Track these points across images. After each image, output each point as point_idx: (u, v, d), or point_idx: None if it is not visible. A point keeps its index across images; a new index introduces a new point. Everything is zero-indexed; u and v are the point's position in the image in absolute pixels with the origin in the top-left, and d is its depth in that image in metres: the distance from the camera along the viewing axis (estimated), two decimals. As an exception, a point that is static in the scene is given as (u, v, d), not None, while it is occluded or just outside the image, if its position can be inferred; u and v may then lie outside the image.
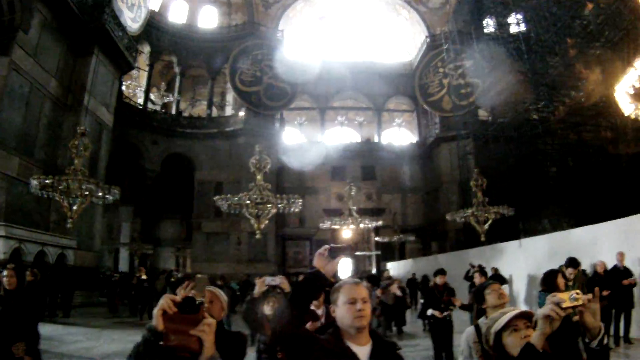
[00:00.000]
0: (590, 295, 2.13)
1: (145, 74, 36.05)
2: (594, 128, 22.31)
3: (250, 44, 35.97)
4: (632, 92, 6.65)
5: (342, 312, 2.44)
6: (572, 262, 8.48)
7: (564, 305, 2.05)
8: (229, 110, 38.67)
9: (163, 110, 37.69)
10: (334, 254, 2.43)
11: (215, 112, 39.06)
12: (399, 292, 14.22)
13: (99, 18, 23.32)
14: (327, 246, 2.54)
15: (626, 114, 7.08)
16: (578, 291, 2.08)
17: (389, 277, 18.27)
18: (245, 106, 35.70)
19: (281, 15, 38.40)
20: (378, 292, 13.15)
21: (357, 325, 2.39)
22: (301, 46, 40.59)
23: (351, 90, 41.26)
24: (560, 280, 5.97)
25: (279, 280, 4.43)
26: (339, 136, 42.49)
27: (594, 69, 20.06)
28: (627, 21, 15.15)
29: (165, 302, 1.87)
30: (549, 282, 5.99)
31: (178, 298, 1.89)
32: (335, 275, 2.57)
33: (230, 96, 38.51)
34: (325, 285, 2.42)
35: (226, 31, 37.57)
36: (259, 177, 17.85)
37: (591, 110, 20.98)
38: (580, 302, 2.06)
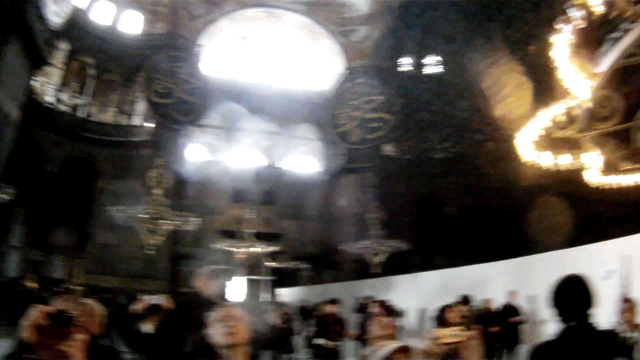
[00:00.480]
0: (471, 332, 2.13)
1: (60, 72, 34.65)
2: (495, 171, 23.04)
3: (169, 55, 35.27)
4: (535, 139, 6.87)
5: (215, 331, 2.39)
6: (465, 299, 8.63)
7: (443, 341, 2.05)
8: (138, 120, 37.61)
9: (71, 112, 36.24)
10: (215, 275, 2.36)
11: (124, 120, 37.97)
12: (275, 320, 14.03)
13: (20, 6, 22.10)
14: (209, 267, 2.47)
15: (525, 160, 7.32)
16: (459, 328, 2.08)
17: (276, 303, 18.11)
18: (155, 118, 34.90)
19: (204, 30, 37.88)
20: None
21: (226, 342, 2.34)
22: (219, 64, 40.22)
23: (262, 113, 40.93)
24: (451, 316, 6.07)
25: (160, 299, 4.30)
26: (244, 158, 42.02)
27: (502, 114, 20.82)
28: (540, 73, 15.81)
29: (36, 313, 1.75)
30: (440, 317, 6.08)
31: (51, 309, 1.78)
32: (219, 296, 2.50)
33: (140, 106, 37.45)
34: (203, 305, 2.35)
35: (148, 39, 36.43)
36: (157, 191, 17.49)
37: (493, 154, 21.68)
38: (459, 339, 2.06)
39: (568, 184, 10.98)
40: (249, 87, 39.84)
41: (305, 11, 38.62)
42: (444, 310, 6.16)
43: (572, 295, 3.11)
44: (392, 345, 2.34)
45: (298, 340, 14.57)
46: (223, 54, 40.85)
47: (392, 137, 32.34)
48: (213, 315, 2.44)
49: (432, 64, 28.74)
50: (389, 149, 35.61)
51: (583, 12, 5.01)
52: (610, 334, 3.32)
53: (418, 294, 16.95)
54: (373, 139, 33.93)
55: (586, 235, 16.19)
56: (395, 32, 31.97)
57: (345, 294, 19.90)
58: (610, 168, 7.90)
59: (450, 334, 1.96)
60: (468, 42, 24.58)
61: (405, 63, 31.25)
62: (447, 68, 26.03)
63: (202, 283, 2.29)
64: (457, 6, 25.90)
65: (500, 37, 22.84)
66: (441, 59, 27.80)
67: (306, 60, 42.67)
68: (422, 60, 29.28)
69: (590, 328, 2.98)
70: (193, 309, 2.25)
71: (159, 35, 36.31)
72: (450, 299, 9.51)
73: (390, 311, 14.02)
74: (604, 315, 7.62)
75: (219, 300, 3.04)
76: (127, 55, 35.81)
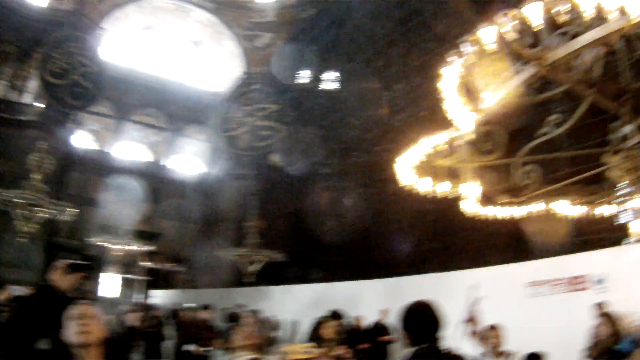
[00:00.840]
0: (323, 350, 2.13)
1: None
2: (376, 191, 23.46)
3: (69, 34, 33.58)
4: (415, 165, 7.03)
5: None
6: (335, 315, 8.70)
7: (293, 357, 2.04)
8: (28, 98, 35.74)
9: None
10: (73, 269, 2.24)
11: (14, 96, 35.96)
12: (133, 322, 13.56)
13: None
14: (66, 260, 2.35)
15: (404, 184, 7.50)
16: (311, 344, 2.08)
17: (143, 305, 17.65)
18: (46, 98, 33.33)
19: (110, 13, 36.57)
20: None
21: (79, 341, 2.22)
22: (120, 51, 39.00)
23: (154, 107, 39.97)
24: (325, 331, 6.10)
25: (25, 290, 4.08)
26: (131, 151, 40.88)
27: (390, 137, 21.28)
28: (431, 101, 16.27)
29: None
30: (314, 332, 6.10)
31: None
32: (75, 291, 2.37)
33: (33, 83, 35.67)
34: (57, 299, 2.22)
35: (52, 14, 34.56)
36: (36, 176, 16.72)
37: (376, 175, 22.06)
38: (312, 355, 2.05)
39: (445, 211, 11.32)
40: (145, 79, 38.73)
41: (213, 10, 38.27)
42: (319, 325, 6.18)
43: (422, 319, 3.28)
44: (245, 357, 2.31)
45: (168, 345, 14.25)
46: (125, 41, 39.70)
47: (280, 148, 32.43)
48: (67, 312, 2.32)
49: (330, 80, 29.08)
50: (276, 159, 35.65)
51: (476, 48, 5.16)
52: (457, 357, 3.48)
53: (292, 306, 17.06)
54: (261, 147, 33.89)
55: (459, 262, 16.87)
56: (298, 44, 32.19)
57: (219, 301, 19.73)
58: (487, 200, 8.21)
59: (300, 351, 1.96)
60: (368, 64, 25.10)
61: (304, 76, 31.49)
62: (344, 86, 26.43)
63: (58, 277, 2.15)
64: (363, 27, 26.38)
65: (399, 62, 23.45)
66: (339, 76, 28.17)
67: (206, 60, 42.23)
68: (321, 75, 29.58)
69: (438, 350, 3.13)
70: (45, 304, 2.11)
71: (64, 12, 34.53)
72: (323, 313, 9.60)
73: (262, 321, 14.02)
74: (467, 340, 7.93)
75: (75, 295, 2.90)
76: (28, 28, 33.77)
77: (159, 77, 40.04)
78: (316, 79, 29.40)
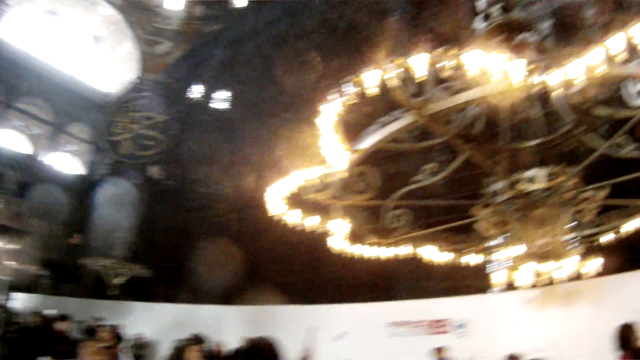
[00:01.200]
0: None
1: None
2: (248, 217, 23.39)
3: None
4: (286, 196, 7.01)
5: None
6: (197, 338, 8.54)
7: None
8: None
9: None
10: None
11: None
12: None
13: None
14: None
15: (274, 214, 7.46)
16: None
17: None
18: None
19: (11, -10, 34.82)
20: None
21: None
22: (17, 31, 37.06)
23: (41, 98, 38.35)
24: (189, 355, 6.04)
25: None
26: (8, 140, 38.79)
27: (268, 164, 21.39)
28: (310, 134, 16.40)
29: None
30: (176, 354, 6.01)
31: None
32: None
33: None
34: None
35: None
36: None
37: (250, 201, 21.98)
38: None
39: (315, 244, 11.34)
40: (38, 66, 36.99)
41: (120, 7, 37.28)
42: (183, 348, 6.06)
43: (260, 355, 3.35)
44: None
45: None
46: (26, 22, 37.81)
47: (161, 160, 31.82)
48: None
49: (221, 99, 28.88)
50: (155, 170, 34.88)
51: (357, 90, 5.16)
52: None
53: (153, 324, 16.62)
54: (143, 156, 33.11)
55: (325, 296, 16.99)
56: (196, 57, 31.88)
57: (80, 312, 18.93)
58: (355, 238, 8.26)
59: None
60: (260, 90, 25.17)
61: (196, 91, 31.12)
62: (233, 107, 26.35)
63: None
64: (262, 52, 26.46)
65: (289, 92, 23.65)
66: (230, 96, 28.05)
67: (103, 58, 41.00)
68: (213, 93, 29.35)
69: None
70: None
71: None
72: (185, 335, 9.37)
73: (117, 337, 13.50)
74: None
75: None
76: None
77: (53, 67, 38.34)
78: (208, 96, 29.14)
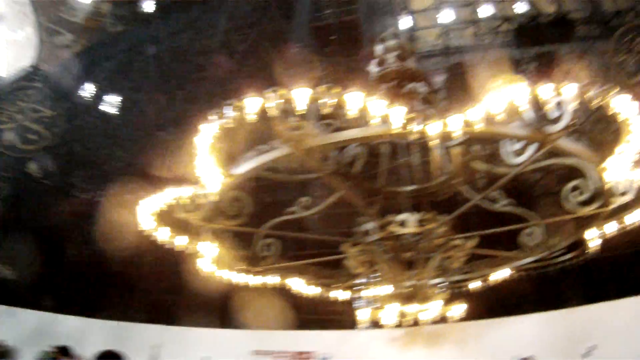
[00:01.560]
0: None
1: None
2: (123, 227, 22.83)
3: None
4: (157, 212, 6.87)
5: None
6: (64, 350, 8.23)
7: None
8: None
9: None
10: None
11: None
12: None
13: None
14: None
15: (143, 229, 7.31)
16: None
17: None
18: None
19: None
20: None
21: None
22: None
23: None
24: None
25: None
26: None
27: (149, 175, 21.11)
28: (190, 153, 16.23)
29: None
30: None
31: None
32: None
33: None
34: None
35: None
36: None
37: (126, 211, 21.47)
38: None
39: (183, 264, 11.09)
40: None
41: (29, -13, 35.72)
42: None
43: None
44: None
45: None
46: None
47: (41, 157, 30.55)
48: None
49: (112, 103, 28.16)
50: (33, 167, 33.35)
51: (236, 115, 5.13)
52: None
53: (13, 331, 15.70)
54: (23, 150, 31.67)
55: (189, 318, 16.68)
56: (94, 55, 30.99)
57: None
58: (224, 263, 8.16)
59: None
60: (151, 100, 24.77)
61: (88, 90, 30.22)
62: (122, 113, 25.76)
63: None
64: (161, 63, 26.09)
65: (180, 107, 23.45)
66: (121, 102, 27.42)
67: (1, 39, 39.20)
68: (104, 95, 28.59)
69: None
70: None
71: None
72: (45, 345, 8.93)
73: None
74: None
75: None
76: None
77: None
78: (98, 97, 28.34)
